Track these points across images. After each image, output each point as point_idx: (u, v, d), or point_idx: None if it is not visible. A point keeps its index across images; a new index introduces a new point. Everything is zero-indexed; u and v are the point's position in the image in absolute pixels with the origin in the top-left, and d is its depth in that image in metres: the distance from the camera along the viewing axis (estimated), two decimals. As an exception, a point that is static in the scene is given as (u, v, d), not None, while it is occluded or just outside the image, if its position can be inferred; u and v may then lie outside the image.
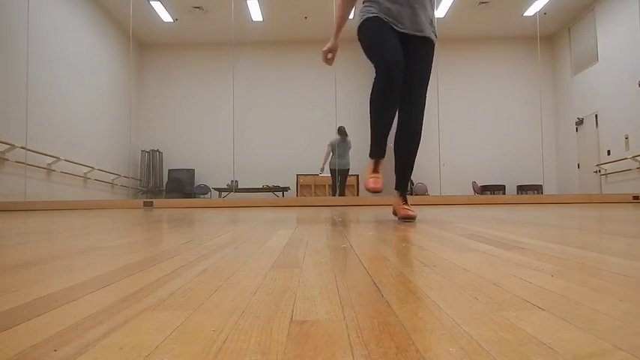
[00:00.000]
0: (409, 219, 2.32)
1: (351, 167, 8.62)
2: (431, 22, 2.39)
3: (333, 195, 8.54)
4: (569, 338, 0.44)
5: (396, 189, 2.49)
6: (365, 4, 2.39)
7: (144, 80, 10.96)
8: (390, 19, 2.30)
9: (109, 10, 9.62)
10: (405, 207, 2.40)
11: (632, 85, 8.40)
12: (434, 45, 2.42)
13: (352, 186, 9.51)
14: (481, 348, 0.42)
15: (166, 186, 10.63)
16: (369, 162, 2.41)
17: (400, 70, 2.19)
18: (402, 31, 2.30)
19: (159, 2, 9.36)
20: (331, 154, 8.58)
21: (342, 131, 8.51)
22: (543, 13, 9.54)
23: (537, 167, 9.68)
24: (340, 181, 8.57)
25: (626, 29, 8.61)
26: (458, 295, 0.64)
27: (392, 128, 2.35)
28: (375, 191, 2.29)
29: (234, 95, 9.23)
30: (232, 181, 9.54)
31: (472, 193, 10.14)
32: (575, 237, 1.43)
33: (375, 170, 2.38)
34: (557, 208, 4.11)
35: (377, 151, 2.38)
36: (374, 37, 2.29)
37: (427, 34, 2.36)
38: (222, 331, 0.48)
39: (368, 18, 2.33)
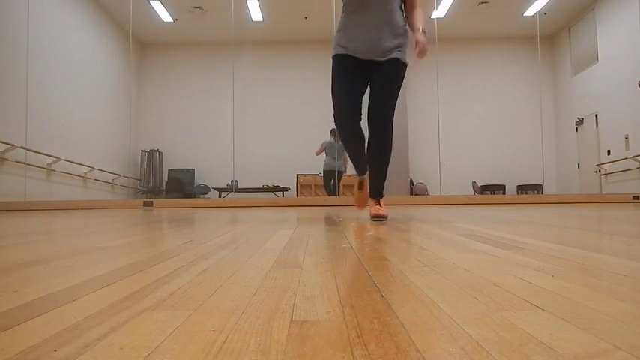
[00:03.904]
0: (378, 218, 2.47)
1: (348, 168, 8.55)
2: (398, 44, 2.48)
3: (328, 195, 8.47)
4: (569, 338, 0.44)
5: (370, 197, 2.68)
6: (337, 31, 2.56)
7: (144, 80, 10.96)
8: (354, 49, 2.47)
9: (109, 10, 9.62)
10: (377, 207, 2.59)
11: (632, 85, 8.40)
12: (402, 64, 2.50)
13: (352, 186, 9.49)
14: (481, 348, 0.42)
15: (166, 186, 10.63)
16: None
17: (349, 123, 2.46)
18: (364, 58, 2.47)
19: (159, 2, 9.36)
20: (325, 154, 8.50)
21: (333, 133, 8.47)
22: (543, 13, 9.54)
23: (537, 167, 9.67)
24: (333, 183, 8.52)
25: (626, 29, 8.61)
26: (458, 295, 0.64)
27: None
28: (361, 209, 2.69)
29: (234, 95, 9.23)
30: (232, 181, 9.54)
31: (472, 193, 10.14)
32: (575, 237, 1.42)
33: (360, 188, 2.77)
34: (557, 208, 4.10)
35: (357, 171, 2.74)
36: (335, 86, 2.51)
37: (390, 57, 2.46)
38: (222, 331, 0.48)
39: (335, 56, 2.53)
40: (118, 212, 4.54)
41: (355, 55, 2.47)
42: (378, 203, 2.64)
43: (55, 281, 0.78)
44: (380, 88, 2.48)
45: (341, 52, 2.50)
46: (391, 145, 2.54)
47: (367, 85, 2.55)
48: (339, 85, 2.50)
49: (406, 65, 2.53)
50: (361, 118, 2.50)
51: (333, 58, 2.56)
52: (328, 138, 8.53)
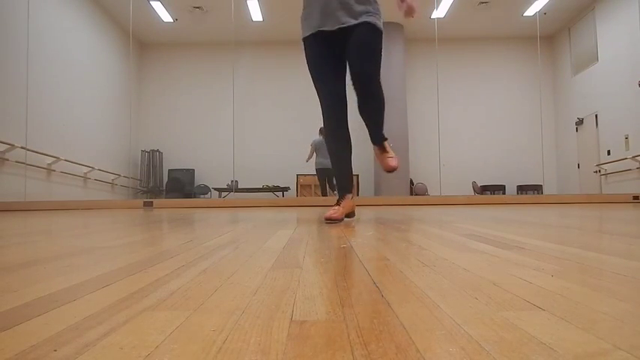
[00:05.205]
0: (392, 170, 2.37)
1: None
2: (366, 10, 2.31)
3: (323, 195, 8.34)
4: (569, 338, 0.44)
5: (373, 144, 2.46)
6: (302, 9, 2.45)
7: (144, 80, 10.95)
8: (317, 22, 2.35)
9: (109, 10, 9.62)
10: (387, 155, 2.40)
11: (632, 85, 8.40)
12: (374, 27, 2.32)
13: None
14: (481, 348, 0.42)
15: (166, 186, 10.62)
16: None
17: (337, 107, 2.33)
18: (331, 29, 2.33)
19: (159, 2, 9.36)
20: (315, 154, 8.28)
21: (322, 131, 8.29)
22: (543, 13, 9.54)
23: (537, 167, 9.67)
24: (328, 180, 8.36)
25: (626, 29, 8.61)
26: (458, 295, 0.64)
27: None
28: (331, 219, 2.21)
29: (234, 95, 9.23)
30: (232, 181, 9.54)
31: (472, 193, 10.14)
32: (575, 237, 1.43)
33: (337, 204, 2.36)
34: (557, 208, 4.10)
35: (339, 187, 2.44)
36: (312, 70, 2.42)
37: (360, 20, 2.30)
38: (222, 331, 0.48)
39: (304, 40, 2.43)
40: (117, 212, 4.54)
41: (322, 29, 2.34)
42: (384, 149, 2.44)
43: (55, 281, 0.78)
44: (356, 53, 2.31)
45: (307, 33, 2.39)
46: (381, 97, 2.35)
47: (345, 66, 2.40)
48: (315, 73, 2.40)
49: (381, 31, 2.35)
50: (346, 107, 2.35)
51: (303, 41, 2.44)
52: (317, 137, 8.23)
